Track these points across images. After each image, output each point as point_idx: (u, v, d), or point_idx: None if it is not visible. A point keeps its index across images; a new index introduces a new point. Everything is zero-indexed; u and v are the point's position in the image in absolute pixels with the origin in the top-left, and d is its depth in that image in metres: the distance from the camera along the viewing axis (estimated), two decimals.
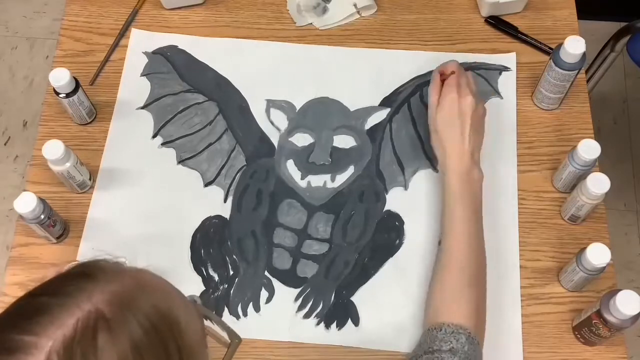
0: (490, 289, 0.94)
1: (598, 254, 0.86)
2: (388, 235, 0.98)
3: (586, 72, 1.25)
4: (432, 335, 0.82)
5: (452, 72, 0.97)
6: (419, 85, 1.09)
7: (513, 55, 1.11)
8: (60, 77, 0.99)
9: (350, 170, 1.03)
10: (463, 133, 0.93)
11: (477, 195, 0.92)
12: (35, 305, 0.49)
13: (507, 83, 1.09)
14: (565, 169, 0.97)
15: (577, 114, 1.07)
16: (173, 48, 1.13)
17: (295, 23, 1.15)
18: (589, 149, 0.93)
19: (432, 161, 1.03)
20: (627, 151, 1.86)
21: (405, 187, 1.02)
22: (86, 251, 0.97)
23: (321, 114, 1.07)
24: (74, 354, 0.46)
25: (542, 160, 1.04)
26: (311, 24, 1.15)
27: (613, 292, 0.83)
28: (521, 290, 0.95)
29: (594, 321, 0.86)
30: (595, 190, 0.90)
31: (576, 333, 0.92)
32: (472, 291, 0.86)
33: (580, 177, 0.96)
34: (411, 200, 1.01)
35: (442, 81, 0.97)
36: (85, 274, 0.52)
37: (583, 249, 0.88)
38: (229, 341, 0.64)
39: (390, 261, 0.97)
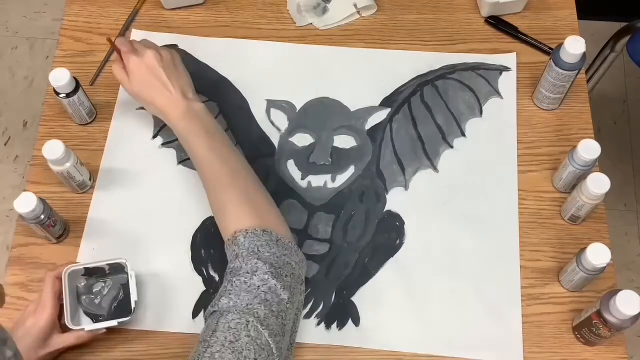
0: (491, 289, 0.95)
1: (598, 254, 0.86)
2: (388, 235, 0.98)
3: (586, 72, 1.25)
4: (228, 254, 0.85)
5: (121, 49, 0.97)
6: (420, 85, 1.09)
7: (513, 55, 1.12)
8: (60, 77, 0.99)
9: (351, 170, 1.03)
10: (165, 84, 0.94)
11: (203, 119, 0.94)
12: None
13: (507, 83, 1.09)
14: (565, 169, 0.97)
15: (577, 114, 1.07)
16: (173, 47, 1.12)
17: (295, 23, 1.15)
18: (589, 149, 0.93)
19: (432, 161, 1.03)
20: (627, 151, 1.86)
21: (406, 187, 1.02)
22: (87, 251, 0.97)
23: (321, 114, 1.07)
24: None
25: (542, 160, 1.04)
26: (311, 24, 1.15)
27: (613, 292, 0.83)
28: (521, 290, 0.95)
29: (594, 321, 0.86)
30: (595, 190, 0.90)
31: (576, 333, 0.92)
32: (236, 194, 0.88)
33: (580, 177, 0.96)
34: (411, 200, 1.01)
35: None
36: None
37: (583, 249, 0.88)
38: None
39: (391, 261, 0.97)
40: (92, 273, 0.91)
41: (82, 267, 0.90)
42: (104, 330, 0.89)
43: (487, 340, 0.92)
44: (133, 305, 0.89)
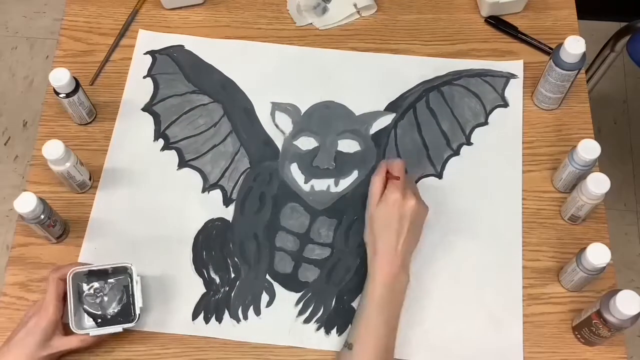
0: (493, 297, 0.94)
1: (598, 254, 0.86)
2: None
3: (586, 72, 1.25)
4: None
5: (397, 178, 0.92)
6: (426, 91, 1.09)
7: (520, 62, 1.11)
8: (61, 77, 0.99)
9: (354, 175, 1.03)
10: (399, 237, 0.89)
11: (398, 302, 0.89)
12: None
13: (514, 90, 1.09)
14: (565, 169, 0.97)
15: (577, 114, 1.07)
16: (179, 48, 1.13)
17: (295, 23, 1.15)
18: (589, 149, 0.93)
19: (436, 167, 1.03)
20: (627, 151, 1.86)
21: None
22: (88, 251, 0.97)
23: (326, 117, 1.07)
24: None
25: (542, 160, 1.04)
26: (311, 24, 1.15)
27: (613, 292, 0.83)
28: (522, 290, 0.95)
29: (594, 321, 0.86)
30: (595, 190, 0.90)
31: (576, 333, 0.92)
32: None
33: (580, 177, 0.96)
34: None
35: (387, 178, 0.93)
36: None
37: (583, 249, 0.88)
38: None
39: None
40: (95, 274, 0.91)
41: (86, 269, 0.90)
42: (107, 335, 0.89)
43: (487, 347, 0.92)
44: (138, 311, 0.89)
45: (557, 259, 0.97)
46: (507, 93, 1.09)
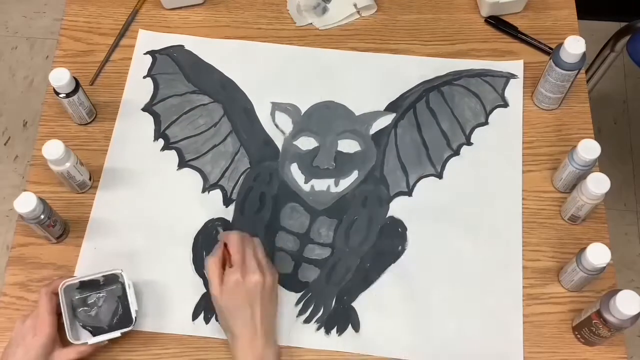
0: (492, 297, 0.94)
1: (598, 254, 0.86)
2: (391, 241, 0.98)
3: (586, 72, 1.25)
4: None
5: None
6: (426, 91, 1.09)
7: (520, 62, 1.11)
8: (60, 77, 0.99)
9: (354, 175, 1.03)
10: (254, 317, 0.84)
11: None
12: None
13: (514, 91, 1.09)
14: (565, 169, 0.97)
15: (577, 114, 1.07)
16: (179, 48, 1.13)
17: (295, 23, 1.15)
18: (589, 149, 0.93)
19: (436, 168, 1.03)
20: (627, 151, 1.86)
21: (409, 193, 1.02)
22: (88, 251, 0.97)
23: (326, 117, 1.07)
24: None
25: (542, 160, 1.04)
26: (311, 24, 1.15)
27: (613, 292, 0.83)
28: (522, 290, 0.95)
29: (594, 321, 0.86)
30: (595, 190, 0.90)
31: (576, 333, 0.92)
32: None
33: (580, 177, 0.96)
34: (415, 206, 1.00)
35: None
36: None
37: (583, 249, 0.88)
38: None
39: (392, 267, 0.96)
40: (87, 285, 0.91)
41: (77, 281, 0.89)
42: (106, 342, 0.89)
43: (487, 348, 0.92)
44: (134, 314, 0.89)
45: (557, 259, 0.97)
46: (507, 93, 1.09)
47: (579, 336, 0.92)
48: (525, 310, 0.94)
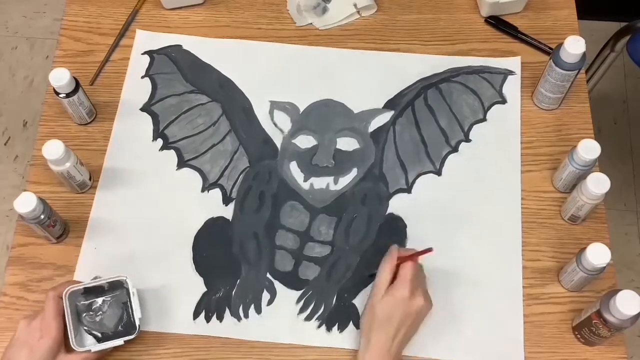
0: (492, 293, 0.94)
1: (598, 254, 0.86)
2: (390, 238, 0.98)
3: (586, 72, 1.25)
4: None
5: (410, 259, 0.88)
6: (424, 88, 1.09)
7: (518, 59, 1.11)
8: (61, 77, 0.99)
9: (353, 172, 1.03)
10: (396, 334, 0.85)
11: None
12: None
13: (511, 87, 1.09)
14: (565, 169, 0.97)
15: (577, 114, 1.07)
16: (177, 48, 1.13)
17: (295, 23, 1.15)
18: (589, 149, 0.93)
19: (435, 164, 1.03)
20: (627, 151, 1.86)
21: (409, 190, 1.02)
22: (88, 251, 0.97)
23: (325, 116, 1.07)
24: None
25: (542, 160, 1.04)
26: (311, 24, 1.15)
27: (613, 292, 0.83)
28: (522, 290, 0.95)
29: (594, 321, 0.86)
30: (595, 190, 0.90)
31: (576, 333, 0.92)
32: None
33: (580, 177, 0.96)
34: (414, 203, 1.01)
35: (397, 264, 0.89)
36: None
37: (583, 249, 0.88)
38: None
39: None
40: (91, 291, 0.91)
41: (82, 287, 0.89)
42: (110, 349, 0.89)
43: (487, 344, 0.92)
44: (138, 322, 0.89)
45: (557, 259, 0.97)
46: (504, 90, 1.09)
47: (579, 336, 0.92)
48: (525, 310, 0.94)
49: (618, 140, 1.88)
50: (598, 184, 0.90)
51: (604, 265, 0.87)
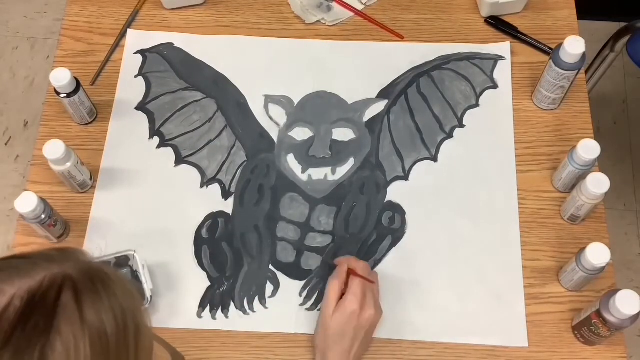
0: (493, 274, 0.95)
1: (598, 254, 0.86)
2: (390, 225, 0.99)
3: (586, 72, 1.25)
4: None
5: (360, 276, 0.88)
6: (416, 77, 1.10)
7: (507, 44, 1.12)
8: (61, 77, 0.99)
9: (351, 162, 1.03)
10: (351, 348, 0.85)
11: None
12: (8, 263, 0.53)
13: (502, 72, 1.10)
14: (565, 169, 0.97)
15: (577, 114, 1.08)
16: (169, 46, 1.13)
17: (304, 21, 1.14)
18: (589, 149, 0.93)
19: (431, 151, 1.04)
20: (627, 151, 1.86)
21: (406, 177, 1.02)
22: (89, 251, 0.97)
23: (319, 107, 1.07)
24: (36, 301, 0.49)
25: (542, 160, 1.04)
26: (319, 21, 1.15)
27: (613, 292, 0.83)
28: (522, 289, 0.95)
29: (593, 321, 0.86)
30: (595, 190, 0.91)
31: (576, 333, 0.92)
32: None
33: (580, 177, 0.96)
34: (412, 190, 1.01)
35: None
36: (62, 251, 0.55)
37: (583, 249, 0.88)
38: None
39: (393, 251, 0.98)
40: None
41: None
42: None
43: (491, 325, 0.93)
44: (149, 293, 0.89)
45: (557, 259, 0.97)
46: (495, 75, 1.10)
47: (578, 336, 0.92)
48: (525, 310, 0.94)
49: (618, 140, 1.88)
50: (598, 183, 0.91)
51: (604, 265, 0.87)
